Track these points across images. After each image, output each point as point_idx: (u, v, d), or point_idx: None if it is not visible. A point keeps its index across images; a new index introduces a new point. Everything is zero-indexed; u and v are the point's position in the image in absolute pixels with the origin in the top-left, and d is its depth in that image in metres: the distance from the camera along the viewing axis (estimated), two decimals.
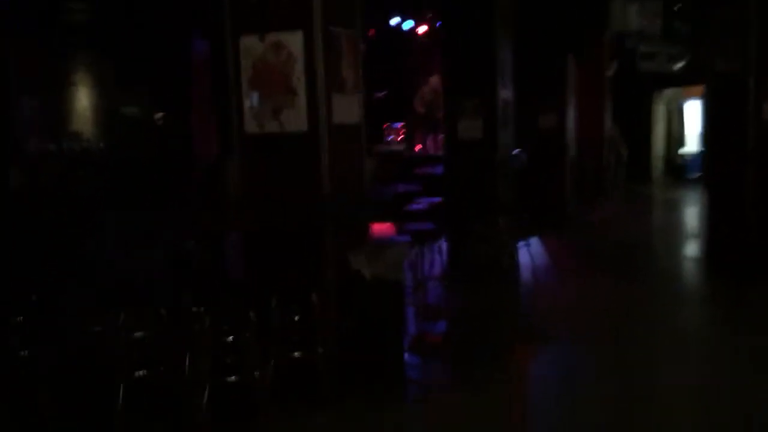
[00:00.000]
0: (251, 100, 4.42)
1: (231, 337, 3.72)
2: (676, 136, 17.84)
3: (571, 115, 11.19)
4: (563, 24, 11.02)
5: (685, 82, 16.25)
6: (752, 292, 6.51)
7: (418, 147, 14.25)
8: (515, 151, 8.77)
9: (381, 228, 4.85)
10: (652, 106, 16.98)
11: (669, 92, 17.30)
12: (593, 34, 12.90)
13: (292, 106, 4.33)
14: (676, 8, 15.17)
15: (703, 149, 16.69)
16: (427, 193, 8.30)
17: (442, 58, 7.89)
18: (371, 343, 4.47)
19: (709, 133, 15.50)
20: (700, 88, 16.38)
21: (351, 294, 4.42)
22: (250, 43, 4.38)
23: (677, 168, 17.57)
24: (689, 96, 17.41)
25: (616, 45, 14.16)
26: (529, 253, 7.57)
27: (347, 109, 4.55)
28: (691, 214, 12.76)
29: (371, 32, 16.23)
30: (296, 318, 4.07)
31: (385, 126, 14.65)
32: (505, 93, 7.64)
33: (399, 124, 14.44)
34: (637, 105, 16.60)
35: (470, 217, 7.26)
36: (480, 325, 5.80)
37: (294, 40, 4.28)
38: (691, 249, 9.08)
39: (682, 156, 17.66)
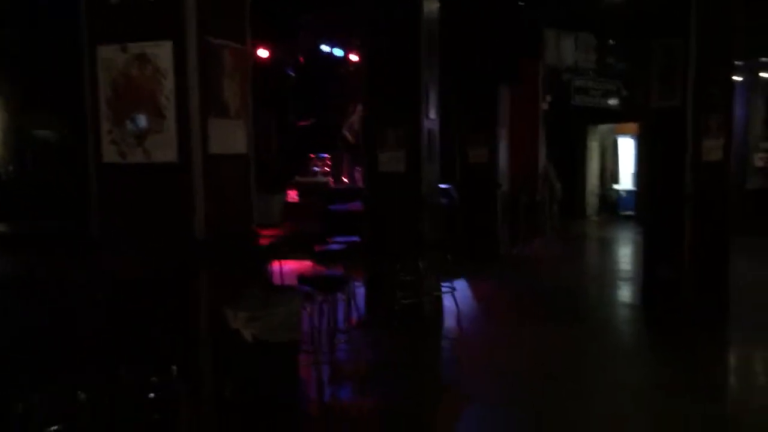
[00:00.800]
0: (110, 122, 3.64)
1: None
2: (610, 173, 17.66)
3: (503, 147, 10.69)
4: (496, 52, 10.58)
5: (620, 118, 16.10)
6: (689, 345, 6.01)
7: (345, 179, 13.61)
8: (442, 186, 8.17)
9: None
10: (586, 141, 16.77)
11: (603, 128, 17.14)
12: (527, 65, 12.52)
13: (160, 130, 3.56)
14: (610, 43, 15.02)
15: (636, 187, 16.63)
16: (346, 230, 7.58)
17: (363, 83, 7.23)
18: (257, 418, 3.70)
19: (645, 172, 15.38)
20: (634, 125, 16.32)
21: (229, 359, 3.65)
22: (109, 53, 3.60)
23: (611, 204, 17.37)
24: (623, 132, 17.28)
25: (550, 77, 13.86)
26: (455, 297, 6.91)
27: (229, 137, 3.80)
28: (626, 255, 12.40)
29: (300, 59, 15.64)
30: (152, 394, 3.27)
31: (311, 156, 13.96)
32: (430, 123, 7.03)
33: (326, 155, 13.79)
34: (571, 140, 16.35)
35: (390, 259, 6.57)
36: (396, 384, 5.08)
37: (162, 53, 3.53)
38: (626, 293, 8.59)
39: (616, 192, 17.48)
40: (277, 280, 6.21)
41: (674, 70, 6.62)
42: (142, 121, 3.57)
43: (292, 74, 14.96)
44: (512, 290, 8.68)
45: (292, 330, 3.90)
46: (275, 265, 6.53)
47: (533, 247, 12.05)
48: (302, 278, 5.07)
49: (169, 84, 3.52)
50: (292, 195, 12.32)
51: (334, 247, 6.65)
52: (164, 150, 3.55)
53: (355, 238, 7.07)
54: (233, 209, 3.84)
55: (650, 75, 6.82)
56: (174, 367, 3.33)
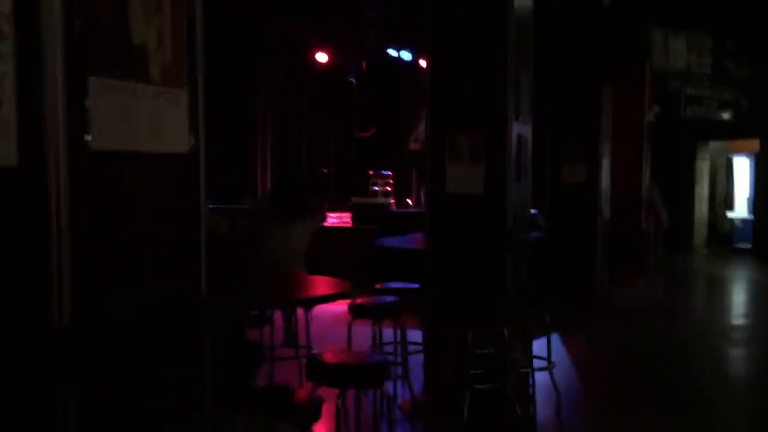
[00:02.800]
0: None
1: None
2: (722, 197, 15.15)
3: (606, 166, 8.57)
4: (597, 47, 8.51)
5: (736, 133, 13.65)
6: None
7: (410, 201, 11.71)
8: (533, 213, 6.16)
9: None
10: (695, 159, 14.33)
11: (715, 145, 14.67)
12: (631, 69, 10.38)
13: None
14: (729, 44, 12.65)
15: (754, 215, 14.12)
16: (405, 272, 5.64)
17: (431, 77, 5.28)
18: None
19: (764, 197, 12.84)
20: (753, 142, 13.84)
21: None
22: None
23: (722, 235, 14.85)
24: (739, 150, 14.76)
25: (657, 84, 11.63)
26: (553, 376, 4.85)
27: (149, 121, 1.95)
28: (748, 302, 10.04)
29: (363, 64, 13.90)
30: None
31: (371, 173, 12.14)
32: (522, 127, 5.06)
33: (387, 172, 11.95)
34: (676, 158, 13.96)
35: (459, 320, 4.59)
36: None
37: None
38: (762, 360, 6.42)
39: (729, 221, 14.94)
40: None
41: None
42: None
43: (354, 81, 13.20)
44: (617, 354, 6.56)
45: None
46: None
47: (636, 289, 9.82)
48: (323, 370, 3.13)
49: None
50: (338, 218, 10.47)
51: (384, 299, 4.73)
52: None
53: (415, 285, 5.14)
54: (151, 263, 1.97)
55: None
56: None
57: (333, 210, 11.42)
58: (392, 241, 5.82)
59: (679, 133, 13.20)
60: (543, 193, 8.37)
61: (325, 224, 10.15)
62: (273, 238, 4.96)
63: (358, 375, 3.12)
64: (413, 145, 9.88)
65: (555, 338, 6.13)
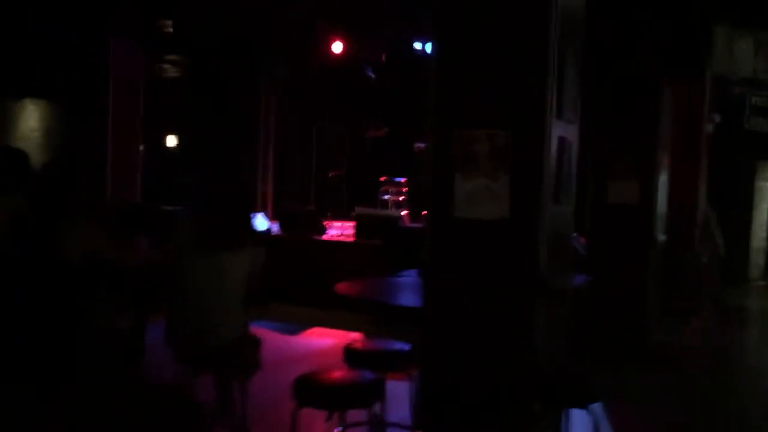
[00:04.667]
0: None
1: None
2: None
3: (662, 183, 7.02)
4: (658, 42, 6.98)
5: None
6: None
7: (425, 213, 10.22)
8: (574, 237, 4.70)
9: None
10: (755, 180, 12.63)
11: None
12: (690, 72, 8.80)
13: None
14: None
15: None
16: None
17: (436, 57, 3.78)
18: None
19: None
20: None
21: None
22: None
23: None
24: None
25: (718, 91, 10.01)
26: None
27: None
28: None
29: (382, 57, 12.45)
30: None
31: (383, 179, 10.70)
32: (565, 128, 3.59)
33: (401, 179, 10.51)
34: (734, 177, 12.26)
35: (469, 405, 3.12)
36: None
37: None
38: None
39: None
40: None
41: None
42: None
43: (372, 75, 11.76)
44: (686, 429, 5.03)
45: None
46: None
47: (693, 330, 8.23)
48: None
49: None
50: (340, 230, 8.99)
51: (392, 346, 3.38)
52: None
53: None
54: None
55: None
56: None
57: (337, 219, 10.01)
58: (381, 287, 4.28)
59: (739, 148, 11.52)
60: (582, 215, 6.85)
61: (324, 237, 8.73)
62: (193, 273, 3.56)
63: None
64: (418, 146, 8.46)
65: (598, 407, 4.63)
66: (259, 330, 7.41)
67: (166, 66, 13.86)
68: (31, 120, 11.24)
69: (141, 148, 13.90)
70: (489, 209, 3.37)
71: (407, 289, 4.00)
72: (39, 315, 3.29)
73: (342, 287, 3.80)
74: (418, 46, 11.43)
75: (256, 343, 3.79)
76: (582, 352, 4.18)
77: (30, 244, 3.34)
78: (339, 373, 3.25)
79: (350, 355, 3.55)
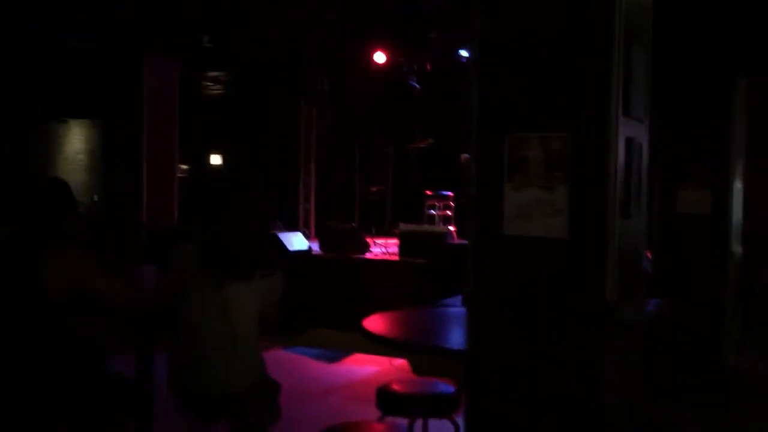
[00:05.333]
0: None
1: None
2: None
3: (738, 191, 6.32)
4: (728, 41, 6.30)
5: None
6: None
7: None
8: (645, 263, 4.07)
9: None
10: None
11: None
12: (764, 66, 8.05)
13: None
14: None
15: None
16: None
17: (477, 47, 3.26)
18: None
19: None
20: None
21: None
22: None
23: None
24: None
25: None
26: None
27: None
28: None
29: (427, 66, 11.96)
30: None
31: (428, 193, 10.16)
32: (633, 128, 3.02)
33: (448, 193, 9.95)
34: None
35: None
36: None
37: None
38: None
39: None
40: None
41: None
42: None
43: (417, 86, 11.28)
44: None
45: None
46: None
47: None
48: None
49: None
50: (383, 248, 8.48)
51: (436, 388, 2.84)
52: None
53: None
54: None
55: None
56: None
57: (381, 236, 9.52)
58: (416, 322, 3.71)
59: None
60: (649, 227, 6.19)
61: (366, 256, 8.24)
62: (194, 308, 3.09)
63: None
64: (465, 157, 7.93)
65: None
66: (295, 357, 7.03)
67: (207, 83, 13.64)
68: (76, 142, 11.12)
69: (185, 167, 13.69)
70: (544, 225, 2.82)
71: (448, 323, 3.46)
72: (16, 359, 2.87)
73: (371, 323, 3.24)
74: (464, 53, 10.93)
75: (274, 389, 3.28)
76: (654, 384, 3.57)
77: (6, 279, 2.93)
78: None
79: (384, 399, 3.02)
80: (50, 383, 2.90)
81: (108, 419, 2.99)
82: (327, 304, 7.61)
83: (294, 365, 6.54)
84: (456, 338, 3.06)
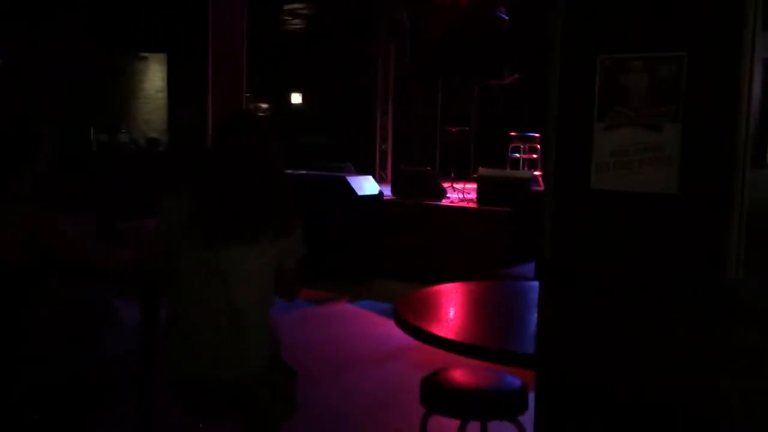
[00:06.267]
0: None
1: None
2: None
3: None
4: None
5: None
6: None
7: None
8: None
9: None
10: None
11: None
12: None
13: None
14: None
15: None
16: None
17: None
18: None
19: None
20: None
21: None
22: None
23: None
24: None
25: None
26: None
27: None
28: None
29: None
30: None
31: (513, 134, 9.38)
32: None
33: (535, 134, 9.14)
34: None
35: None
36: None
37: None
38: None
39: None
40: None
41: None
42: None
43: (505, 17, 10.39)
44: None
45: None
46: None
47: None
48: None
49: None
50: (461, 193, 7.82)
51: (504, 382, 2.27)
52: None
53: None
54: None
55: None
56: None
57: (462, 180, 8.88)
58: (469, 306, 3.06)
59: None
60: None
61: (442, 203, 7.64)
62: (187, 275, 2.56)
63: None
64: None
65: None
66: (359, 311, 6.58)
67: (286, 17, 13.10)
68: (156, 80, 10.88)
69: (265, 106, 13.28)
70: (648, 177, 2.15)
71: (521, 306, 2.79)
72: None
73: (403, 308, 2.54)
74: None
75: (290, 375, 2.75)
76: None
77: None
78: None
79: (430, 395, 2.42)
80: (9, 361, 2.49)
81: (92, 406, 2.58)
82: (396, 253, 7.10)
83: (358, 322, 6.09)
84: (523, 337, 2.42)
